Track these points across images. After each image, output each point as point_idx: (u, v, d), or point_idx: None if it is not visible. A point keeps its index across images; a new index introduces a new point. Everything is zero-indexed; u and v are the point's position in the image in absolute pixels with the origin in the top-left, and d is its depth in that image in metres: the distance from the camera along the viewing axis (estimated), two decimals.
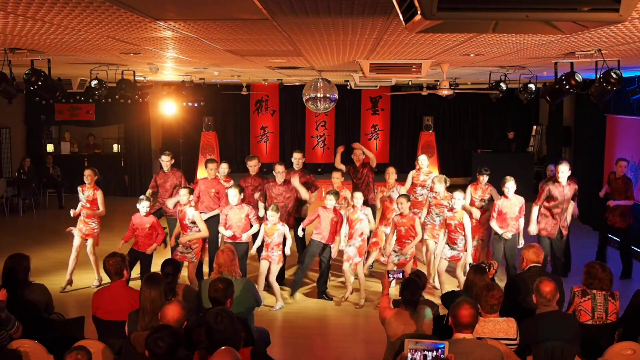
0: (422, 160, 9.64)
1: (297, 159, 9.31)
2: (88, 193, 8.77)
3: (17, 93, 7.04)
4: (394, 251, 8.00)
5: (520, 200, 8.26)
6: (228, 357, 3.54)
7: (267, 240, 7.95)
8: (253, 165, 9.12)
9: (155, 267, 7.21)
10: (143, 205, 8.15)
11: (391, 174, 9.05)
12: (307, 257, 8.38)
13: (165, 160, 9.46)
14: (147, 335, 3.81)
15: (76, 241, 8.81)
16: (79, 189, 8.86)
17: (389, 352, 4.91)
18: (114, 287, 5.40)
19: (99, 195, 8.80)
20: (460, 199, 7.90)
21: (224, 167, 9.61)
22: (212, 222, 8.42)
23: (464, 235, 7.90)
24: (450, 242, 7.99)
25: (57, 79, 10.13)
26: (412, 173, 9.72)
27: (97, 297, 5.42)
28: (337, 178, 9.10)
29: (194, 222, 7.85)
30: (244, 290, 5.51)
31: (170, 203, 9.05)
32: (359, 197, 8.31)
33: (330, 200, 8.19)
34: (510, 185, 8.16)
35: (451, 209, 7.97)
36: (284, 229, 8.01)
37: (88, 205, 8.76)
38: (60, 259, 9.51)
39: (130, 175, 17.17)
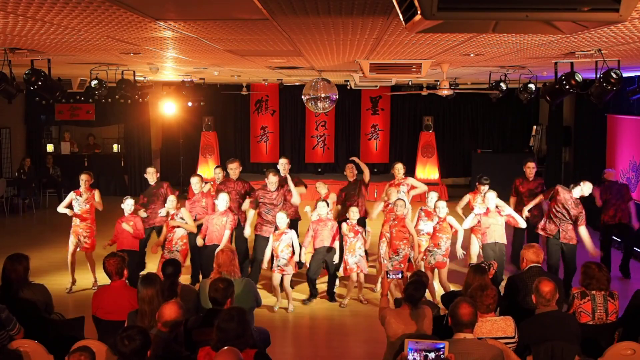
0: (399, 169, 9.23)
1: (233, 169, 8.95)
2: (87, 195, 8.76)
3: (17, 93, 7.04)
4: (389, 257, 7.92)
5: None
6: (231, 357, 3.54)
7: (274, 244, 7.95)
8: (234, 169, 8.95)
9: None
10: (128, 204, 8.23)
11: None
12: (315, 266, 8.27)
13: (151, 172, 9.19)
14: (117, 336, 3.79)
15: (71, 247, 8.75)
16: (73, 194, 8.73)
17: (389, 352, 4.91)
18: (114, 287, 5.40)
19: (97, 194, 8.85)
20: (443, 207, 7.86)
21: (218, 172, 9.57)
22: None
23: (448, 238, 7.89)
24: (435, 246, 7.89)
25: (57, 79, 10.13)
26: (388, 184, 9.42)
27: (97, 297, 5.42)
28: (322, 188, 9.07)
29: (182, 218, 8.12)
30: (244, 291, 5.51)
31: (162, 213, 9.03)
32: (354, 211, 8.21)
33: (323, 209, 8.14)
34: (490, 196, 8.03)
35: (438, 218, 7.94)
36: (292, 234, 8.00)
37: (87, 207, 8.73)
38: (60, 259, 9.50)
39: (130, 175, 17.17)
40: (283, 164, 9.29)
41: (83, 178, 8.78)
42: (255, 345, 4.23)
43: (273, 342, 5.91)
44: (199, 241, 8.09)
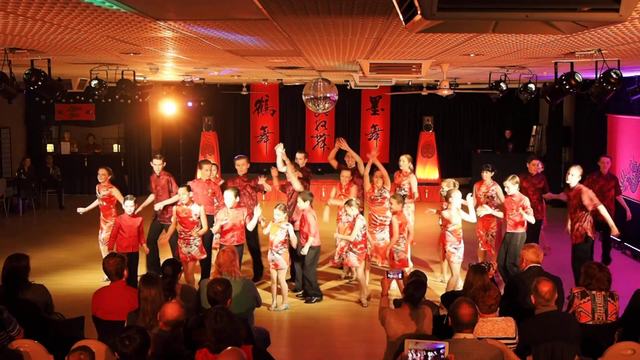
0: (403, 161, 9.33)
1: (240, 165, 9.01)
2: (103, 192, 8.93)
3: (17, 93, 7.04)
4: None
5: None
6: (234, 357, 3.54)
7: (270, 237, 7.95)
8: (241, 165, 9.01)
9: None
10: (127, 204, 8.23)
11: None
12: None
13: (157, 164, 9.13)
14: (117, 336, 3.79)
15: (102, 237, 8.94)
16: (97, 187, 9.06)
17: (389, 352, 4.91)
18: (114, 287, 5.40)
19: (116, 192, 8.95)
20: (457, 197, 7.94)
21: (213, 169, 9.56)
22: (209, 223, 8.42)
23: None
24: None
25: (57, 79, 10.13)
26: (395, 174, 9.51)
27: (97, 297, 5.42)
28: (345, 176, 8.93)
29: (199, 218, 8.08)
30: (243, 291, 5.51)
31: (158, 206, 8.97)
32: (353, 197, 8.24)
33: (305, 202, 8.05)
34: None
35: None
36: (288, 227, 7.97)
37: (104, 203, 8.94)
38: (60, 259, 9.51)
39: (130, 175, 17.17)
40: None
41: (100, 172, 9.02)
42: (252, 342, 4.23)
43: (273, 342, 5.92)
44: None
